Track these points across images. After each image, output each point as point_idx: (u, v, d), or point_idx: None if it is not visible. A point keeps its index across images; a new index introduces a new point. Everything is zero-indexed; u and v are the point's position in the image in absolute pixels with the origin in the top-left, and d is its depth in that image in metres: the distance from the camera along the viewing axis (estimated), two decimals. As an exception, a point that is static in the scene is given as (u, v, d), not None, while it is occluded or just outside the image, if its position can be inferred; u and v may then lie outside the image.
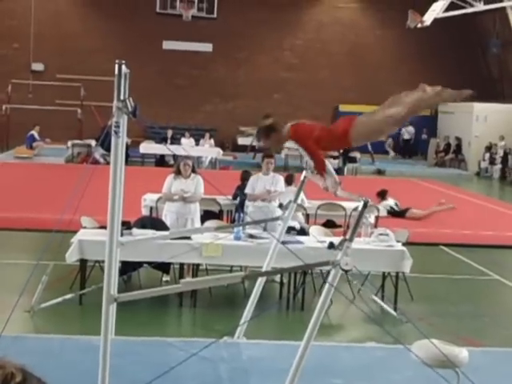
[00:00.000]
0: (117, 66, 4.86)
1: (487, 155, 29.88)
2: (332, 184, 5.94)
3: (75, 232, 9.47)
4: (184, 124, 30.89)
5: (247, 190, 11.04)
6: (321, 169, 5.93)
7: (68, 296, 8.83)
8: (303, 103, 33.18)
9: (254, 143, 6.07)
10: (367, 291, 9.77)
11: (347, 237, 5.22)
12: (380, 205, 15.69)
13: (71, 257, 9.14)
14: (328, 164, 5.97)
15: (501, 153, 29.36)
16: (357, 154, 27.55)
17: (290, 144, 6.12)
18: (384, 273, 9.92)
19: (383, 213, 14.02)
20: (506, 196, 24.53)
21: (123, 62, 4.89)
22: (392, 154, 32.65)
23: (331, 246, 5.40)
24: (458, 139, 31.60)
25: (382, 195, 16.21)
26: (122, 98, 4.85)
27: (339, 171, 26.92)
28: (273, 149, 6.41)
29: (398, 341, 6.38)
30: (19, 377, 1.75)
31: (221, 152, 26.90)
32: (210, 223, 10.57)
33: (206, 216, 11.66)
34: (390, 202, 16.25)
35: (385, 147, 32.33)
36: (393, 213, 16.05)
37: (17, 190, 17.73)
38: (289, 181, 12.14)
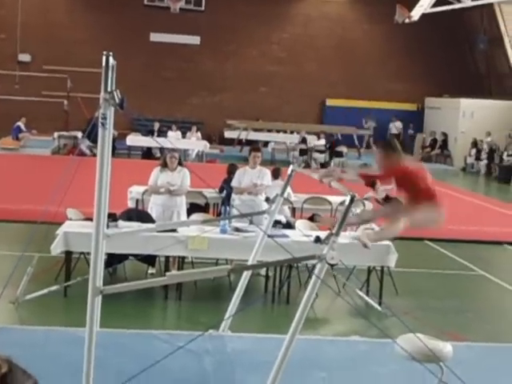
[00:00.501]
0: (104, 57, 4.85)
1: (473, 151, 29.99)
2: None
3: (61, 224, 9.45)
4: (171, 117, 30.83)
5: (233, 184, 11.03)
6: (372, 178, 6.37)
7: (53, 288, 8.82)
8: (290, 97, 33.20)
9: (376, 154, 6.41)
10: (352, 285, 9.80)
11: (333, 231, 5.23)
12: (373, 192, 15.68)
13: (56, 248, 9.12)
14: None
15: (487, 149, 29.47)
16: (343, 149, 27.57)
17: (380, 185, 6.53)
18: (369, 267, 9.96)
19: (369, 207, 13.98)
20: (492, 192, 24.64)
21: (110, 53, 4.88)
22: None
23: (317, 240, 5.40)
24: (445, 135, 31.69)
25: (373, 184, 16.13)
26: (109, 89, 4.84)
27: (326, 165, 26.98)
28: (375, 161, 6.75)
29: (386, 334, 6.41)
30: (5, 368, 1.75)
31: (208, 145, 26.84)
32: (196, 216, 10.57)
33: (192, 209, 11.65)
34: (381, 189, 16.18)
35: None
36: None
37: (2, 181, 17.66)
38: (275, 174, 12.14)
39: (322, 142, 27.78)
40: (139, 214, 10.23)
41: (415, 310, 9.32)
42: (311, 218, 12.56)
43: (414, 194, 6.29)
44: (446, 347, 5.72)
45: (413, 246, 13.28)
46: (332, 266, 5.31)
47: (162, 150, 20.00)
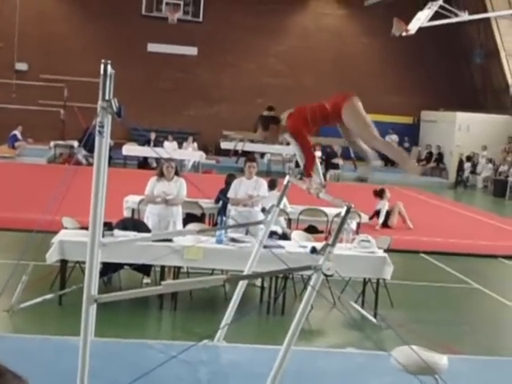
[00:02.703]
0: (102, 65, 4.85)
1: (468, 164, 30.04)
2: (316, 185, 5.96)
3: (56, 232, 9.43)
4: (167, 127, 30.83)
5: (230, 194, 11.02)
6: (309, 167, 6.02)
7: (48, 296, 8.80)
8: (287, 109, 33.13)
9: (259, 136, 6.26)
10: (347, 297, 9.79)
11: (329, 242, 5.22)
12: (380, 204, 15.77)
13: (52, 257, 9.10)
14: (317, 164, 6.05)
15: (482, 162, 29.53)
16: (339, 161, 27.59)
17: (286, 136, 6.32)
18: (365, 279, 9.95)
19: (365, 220, 14.02)
20: (486, 205, 24.64)
21: (109, 61, 4.88)
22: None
23: (313, 250, 5.40)
24: (440, 148, 31.76)
25: (381, 194, 16.10)
26: (106, 97, 4.83)
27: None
28: (268, 140, 6.55)
29: (379, 347, 6.39)
30: None
31: (204, 156, 26.89)
32: (192, 226, 10.56)
33: (188, 219, 11.64)
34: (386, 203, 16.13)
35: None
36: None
37: (-2, 189, 17.63)
38: (272, 185, 12.15)
39: (318, 153, 27.80)
40: (135, 224, 10.23)
41: (410, 323, 9.30)
42: (307, 229, 12.57)
43: (324, 115, 6.20)
44: (442, 359, 5.71)
45: (408, 259, 13.29)
46: (327, 276, 5.29)
47: (158, 160, 20.02)
